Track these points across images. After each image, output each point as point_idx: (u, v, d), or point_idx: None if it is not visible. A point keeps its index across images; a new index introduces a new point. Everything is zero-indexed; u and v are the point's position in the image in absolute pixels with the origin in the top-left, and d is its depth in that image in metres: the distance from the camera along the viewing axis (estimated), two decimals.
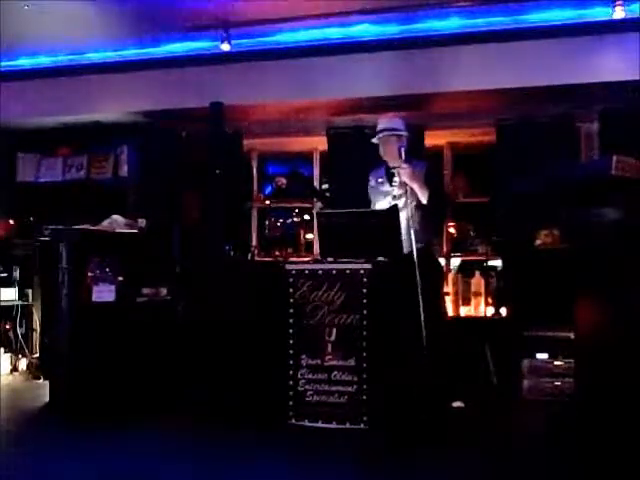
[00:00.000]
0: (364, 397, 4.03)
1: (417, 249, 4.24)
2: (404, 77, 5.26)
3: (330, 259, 4.34)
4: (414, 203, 4.48)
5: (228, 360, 4.71)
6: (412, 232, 4.22)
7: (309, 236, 6.53)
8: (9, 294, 5.97)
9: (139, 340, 4.72)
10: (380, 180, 4.71)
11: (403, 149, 4.47)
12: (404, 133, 4.65)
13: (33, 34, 5.24)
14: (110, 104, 5.90)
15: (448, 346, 4.39)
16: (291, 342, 4.21)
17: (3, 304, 5.90)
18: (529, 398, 4.90)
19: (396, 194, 4.56)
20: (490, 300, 5.73)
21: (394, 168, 4.61)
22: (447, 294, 5.60)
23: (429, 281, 4.25)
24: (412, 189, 4.47)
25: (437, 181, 4.79)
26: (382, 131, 4.66)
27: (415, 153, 4.86)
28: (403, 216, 4.41)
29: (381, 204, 4.66)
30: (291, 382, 4.19)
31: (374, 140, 4.70)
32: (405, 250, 4.27)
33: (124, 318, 4.75)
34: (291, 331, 4.22)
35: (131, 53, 5.65)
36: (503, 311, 5.58)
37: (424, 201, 4.48)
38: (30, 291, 6.14)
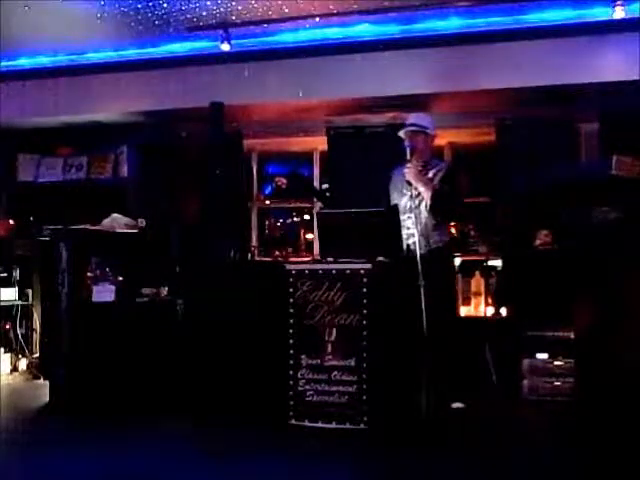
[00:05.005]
0: (364, 397, 4.02)
1: (433, 249, 4.27)
2: (404, 77, 5.26)
3: (330, 259, 4.33)
4: (429, 204, 4.43)
5: (228, 360, 4.71)
6: (417, 233, 4.20)
7: (309, 236, 6.53)
8: (9, 294, 5.95)
9: (139, 340, 4.72)
10: (401, 177, 4.56)
11: (408, 149, 4.43)
12: (428, 131, 4.55)
13: (33, 34, 5.23)
14: (110, 104, 5.89)
15: (453, 346, 4.36)
16: (291, 342, 4.20)
17: (3, 304, 5.89)
18: (529, 398, 4.90)
19: (412, 193, 4.44)
20: (490, 300, 5.72)
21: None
22: None
23: (441, 282, 4.23)
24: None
25: (454, 184, 4.59)
26: (406, 126, 4.56)
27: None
28: (415, 215, 4.35)
29: (398, 202, 4.54)
30: (291, 382, 4.18)
31: (400, 133, 4.59)
32: (420, 250, 4.15)
33: (124, 318, 4.76)
34: (291, 331, 4.21)
35: (131, 53, 5.64)
36: (503, 311, 5.58)
37: (428, 201, 4.43)
38: (30, 291, 6.13)
